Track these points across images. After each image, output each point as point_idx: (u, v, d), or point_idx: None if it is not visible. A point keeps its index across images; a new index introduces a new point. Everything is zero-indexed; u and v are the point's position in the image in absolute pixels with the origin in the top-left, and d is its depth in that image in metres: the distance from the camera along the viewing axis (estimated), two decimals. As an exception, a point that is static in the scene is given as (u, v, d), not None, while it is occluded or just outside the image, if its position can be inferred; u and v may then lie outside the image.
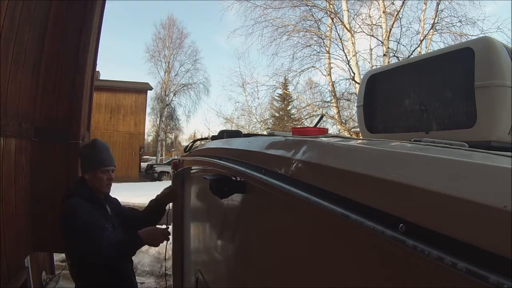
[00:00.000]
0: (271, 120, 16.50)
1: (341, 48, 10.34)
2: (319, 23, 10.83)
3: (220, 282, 1.36)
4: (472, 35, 8.87)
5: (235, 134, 1.65)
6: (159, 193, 2.05)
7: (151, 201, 2.04)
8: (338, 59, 10.69)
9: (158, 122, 25.55)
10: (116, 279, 1.68)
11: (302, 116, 12.77)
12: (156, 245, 1.73)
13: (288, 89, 13.33)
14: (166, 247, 1.95)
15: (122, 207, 1.99)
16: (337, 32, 10.39)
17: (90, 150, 1.77)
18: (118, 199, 2.00)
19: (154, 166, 20.24)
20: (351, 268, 0.57)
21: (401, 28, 9.70)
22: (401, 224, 0.42)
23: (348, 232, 0.55)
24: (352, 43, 10.21)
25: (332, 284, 0.62)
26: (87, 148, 1.81)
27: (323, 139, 0.80)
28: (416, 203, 0.42)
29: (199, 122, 76.66)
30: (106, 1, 3.48)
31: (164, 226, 1.78)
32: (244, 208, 1.09)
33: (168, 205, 2.06)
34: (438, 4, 9.33)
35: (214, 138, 1.76)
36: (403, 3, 9.46)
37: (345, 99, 11.14)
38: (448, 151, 0.55)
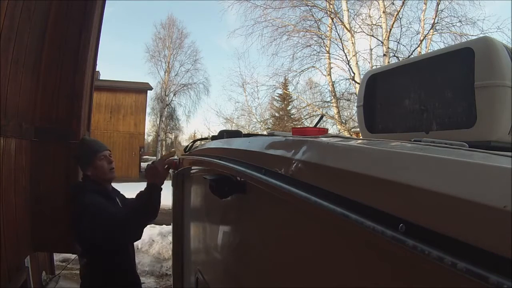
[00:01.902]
0: (271, 120, 16.49)
1: (341, 48, 10.34)
2: (319, 23, 10.83)
3: (220, 282, 1.36)
4: (472, 35, 8.87)
5: (235, 134, 1.65)
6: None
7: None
8: (338, 59, 10.69)
9: (158, 122, 25.52)
10: (123, 278, 1.69)
11: (302, 116, 12.77)
12: (163, 175, 1.70)
13: (288, 89, 13.33)
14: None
15: (125, 200, 1.98)
16: (337, 32, 10.39)
17: (80, 148, 1.78)
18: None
19: (154, 166, 20.18)
20: (351, 268, 0.57)
21: (401, 28, 9.71)
22: (401, 224, 0.42)
23: (348, 232, 0.55)
24: (352, 43, 10.21)
25: (332, 284, 0.62)
26: (78, 149, 1.82)
27: (323, 139, 0.80)
28: (416, 203, 0.42)
29: (199, 122, 76.56)
30: (106, 1, 3.48)
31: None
32: (244, 208, 1.09)
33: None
34: (438, 4, 9.33)
35: (214, 138, 1.76)
36: (403, 3, 9.45)
37: (345, 99, 11.14)
38: (448, 151, 0.55)
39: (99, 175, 1.72)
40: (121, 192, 1.99)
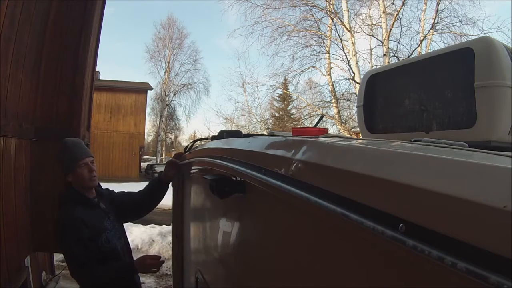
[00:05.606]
0: (271, 120, 16.48)
1: (341, 48, 10.33)
2: (319, 23, 10.82)
3: (220, 282, 1.36)
4: (472, 35, 8.86)
5: (235, 134, 1.65)
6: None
7: (153, 179, 2.01)
8: (338, 59, 10.68)
9: (158, 122, 25.51)
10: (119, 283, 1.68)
11: (302, 116, 12.76)
12: (147, 272, 1.89)
13: (288, 89, 13.32)
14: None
15: (116, 196, 1.93)
16: (337, 32, 10.39)
17: (61, 153, 1.72)
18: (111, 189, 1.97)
19: (154, 166, 20.12)
20: (351, 268, 0.57)
21: (401, 28, 9.70)
22: (401, 224, 0.42)
23: (348, 232, 0.55)
24: (352, 43, 10.21)
25: (332, 284, 0.62)
26: (59, 153, 1.76)
27: (323, 139, 0.80)
28: (416, 203, 0.42)
29: (199, 122, 76.63)
30: (106, 1, 3.48)
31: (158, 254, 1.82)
32: (244, 208, 1.09)
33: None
34: (438, 4, 9.32)
35: (214, 138, 1.76)
36: (403, 3, 9.45)
37: (345, 99, 11.13)
38: (448, 151, 0.55)
39: (79, 183, 1.68)
40: (109, 189, 1.93)
